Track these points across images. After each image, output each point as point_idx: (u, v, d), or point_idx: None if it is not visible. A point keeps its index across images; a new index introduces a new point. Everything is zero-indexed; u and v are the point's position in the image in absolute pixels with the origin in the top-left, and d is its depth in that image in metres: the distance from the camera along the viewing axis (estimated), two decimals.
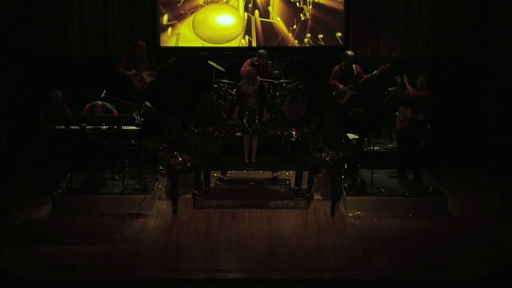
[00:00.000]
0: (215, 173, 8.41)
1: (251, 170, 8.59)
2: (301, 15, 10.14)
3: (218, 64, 9.68)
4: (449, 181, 8.75)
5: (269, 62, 9.43)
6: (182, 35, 10.24)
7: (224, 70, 9.71)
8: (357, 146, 8.47)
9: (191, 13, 10.22)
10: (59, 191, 7.99)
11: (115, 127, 7.89)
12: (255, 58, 9.28)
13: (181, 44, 10.25)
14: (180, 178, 8.10)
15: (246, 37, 10.24)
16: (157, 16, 10.11)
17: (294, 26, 10.17)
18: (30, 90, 9.64)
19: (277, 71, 9.48)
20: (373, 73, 8.81)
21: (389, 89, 8.36)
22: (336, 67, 9.09)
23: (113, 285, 6.35)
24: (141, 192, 7.94)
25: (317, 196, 8.39)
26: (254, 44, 10.23)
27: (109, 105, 8.38)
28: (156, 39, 10.18)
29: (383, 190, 7.99)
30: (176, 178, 8.00)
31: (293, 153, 8.29)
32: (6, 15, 9.64)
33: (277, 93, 9.42)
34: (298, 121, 8.23)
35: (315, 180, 8.18)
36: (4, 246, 6.95)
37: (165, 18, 10.19)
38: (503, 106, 9.35)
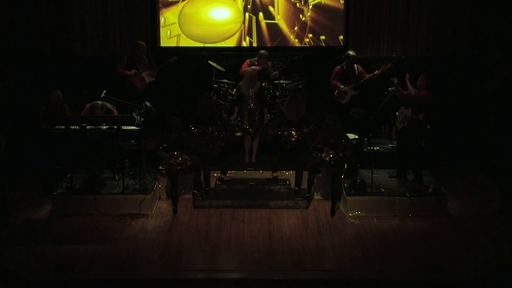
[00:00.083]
0: (215, 173, 8.41)
1: (251, 170, 8.60)
2: (301, 15, 10.14)
3: (218, 64, 9.68)
4: (449, 181, 8.75)
5: (269, 62, 9.43)
6: (183, 36, 10.23)
7: (224, 70, 9.71)
8: (357, 146, 8.47)
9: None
10: (59, 191, 7.99)
11: (115, 127, 7.89)
12: (255, 58, 9.28)
13: (181, 44, 10.24)
14: (180, 178, 8.10)
15: (247, 38, 10.22)
16: (157, 16, 10.10)
17: (296, 28, 10.16)
18: (30, 90, 9.64)
19: (277, 72, 9.48)
20: (375, 73, 8.81)
21: (389, 89, 8.35)
22: (337, 67, 9.09)
23: (113, 285, 6.35)
24: (141, 192, 7.94)
25: (317, 196, 8.39)
26: (254, 44, 10.23)
27: (109, 105, 8.38)
28: (156, 39, 10.17)
29: (383, 190, 7.99)
30: (176, 178, 8.00)
31: (293, 153, 8.29)
32: (6, 15, 9.64)
33: (277, 93, 9.42)
34: (298, 121, 8.23)
35: (315, 180, 8.19)
36: (4, 246, 6.95)
37: (163, 21, 10.15)
38: (503, 106, 9.35)
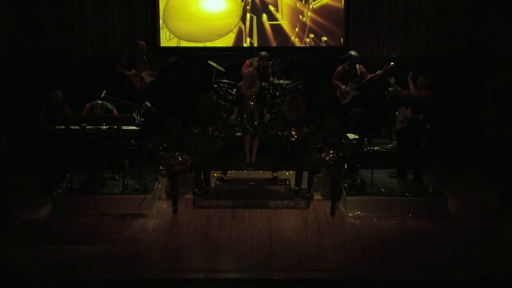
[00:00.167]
0: (215, 173, 8.41)
1: (251, 170, 8.59)
2: (301, 16, 10.14)
3: (218, 64, 9.68)
4: (449, 181, 8.75)
5: (269, 62, 9.43)
6: None
7: (224, 70, 9.71)
8: (357, 146, 8.47)
9: None
10: (59, 191, 7.98)
11: (115, 127, 7.89)
12: (255, 59, 9.27)
13: (181, 44, 10.24)
14: (180, 178, 8.10)
15: (248, 39, 10.21)
16: (157, 16, 10.10)
17: (297, 29, 10.16)
18: (30, 90, 9.64)
19: (275, 78, 9.47)
20: (377, 73, 8.81)
21: (389, 89, 8.35)
22: (339, 68, 9.09)
23: (113, 285, 6.35)
24: (141, 192, 7.94)
25: (317, 196, 8.39)
26: (255, 44, 10.22)
27: (109, 105, 8.38)
28: (156, 39, 10.17)
29: (383, 190, 7.99)
30: (176, 178, 7.99)
31: (293, 153, 8.29)
32: (6, 15, 9.64)
33: (277, 93, 9.42)
34: (298, 121, 8.23)
35: (315, 180, 8.19)
36: (4, 246, 6.96)
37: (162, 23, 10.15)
38: (503, 106, 9.36)
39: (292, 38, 10.20)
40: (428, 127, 8.19)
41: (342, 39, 10.19)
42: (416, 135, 8.12)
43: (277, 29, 10.20)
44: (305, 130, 8.24)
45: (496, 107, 9.48)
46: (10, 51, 9.69)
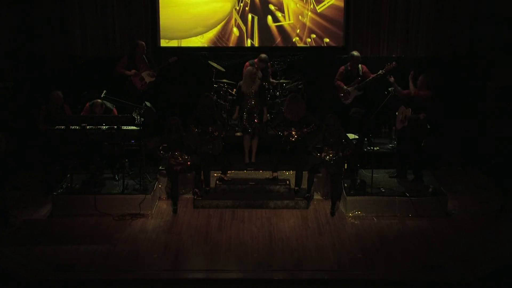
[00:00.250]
0: (215, 173, 8.41)
1: (251, 170, 8.59)
2: (301, 16, 10.13)
3: (218, 64, 9.68)
4: (449, 181, 8.74)
5: (269, 63, 9.43)
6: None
7: (224, 70, 9.71)
8: (357, 146, 8.47)
9: None
10: (59, 191, 7.99)
11: (115, 127, 7.89)
12: (255, 60, 9.27)
13: (182, 44, 10.24)
14: (180, 178, 8.09)
15: (249, 40, 10.21)
16: (157, 16, 10.10)
17: (298, 30, 10.15)
18: (30, 90, 9.64)
19: (274, 80, 9.47)
20: (379, 72, 8.81)
21: (389, 89, 8.36)
22: (342, 68, 9.10)
23: (113, 285, 6.34)
24: (141, 192, 7.94)
25: (317, 196, 8.39)
26: (256, 44, 10.22)
27: (108, 104, 8.38)
28: (156, 39, 10.17)
29: (383, 190, 7.99)
30: (176, 178, 7.99)
31: (293, 153, 8.29)
32: (6, 15, 9.64)
33: (277, 93, 9.42)
34: (298, 121, 8.23)
35: (315, 180, 8.19)
36: (4, 246, 6.96)
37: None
38: (503, 106, 9.35)
39: (293, 38, 10.20)
40: (428, 127, 8.19)
41: (342, 39, 10.18)
42: (416, 135, 8.12)
43: (278, 30, 10.20)
44: (305, 130, 8.24)
45: (496, 107, 9.48)
46: (10, 51, 9.69)
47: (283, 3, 10.09)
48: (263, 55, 9.21)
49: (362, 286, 6.37)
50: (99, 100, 8.23)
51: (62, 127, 7.90)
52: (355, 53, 9.01)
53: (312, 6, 10.07)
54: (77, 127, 7.86)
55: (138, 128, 8.05)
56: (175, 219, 7.77)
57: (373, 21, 10.02)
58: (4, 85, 9.39)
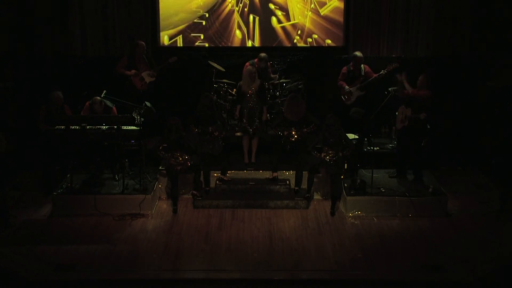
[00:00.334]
0: (215, 173, 8.41)
1: (251, 170, 8.60)
2: (301, 17, 10.13)
3: (218, 64, 9.68)
4: (449, 181, 8.75)
5: (268, 62, 9.43)
6: (183, 35, 10.21)
7: (224, 70, 9.71)
8: (357, 146, 8.47)
9: None
10: (59, 191, 7.99)
11: (115, 127, 7.89)
12: (255, 60, 9.27)
13: (181, 44, 10.23)
14: (180, 178, 8.09)
15: (249, 41, 10.20)
16: (157, 16, 10.10)
17: (299, 31, 10.15)
18: (30, 90, 9.63)
19: (276, 75, 9.47)
20: (380, 72, 8.81)
21: (389, 89, 8.36)
22: (344, 68, 9.10)
23: (113, 285, 6.35)
24: (141, 192, 7.94)
25: (317, 196, 8.39)
26: (256, 44, 10.22)
27: (108, 102, 8.37)
28: (156, 39, 10.17)
29: (383, 190, 7.99)
30: (176, 178, 7.99)
31: (293, 153, 8.29)
32: (5, 15, 9.64)
33: (277, 93, 9.42)
34: (298, 121, 8.23)
35: (315, 180, 8.19)
36: (4, 246, 6.96)
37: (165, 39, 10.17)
38: (503, 106, 9.35)
39: (293, 38, 10.19)
40: (428, 127, 8.19)
41: (342, 39, 10.18)
42: (416, 135, 8.12)
43: (278, 30, 10.19)
44: (305, 130, 8.24)
45: (496, 107, 9.47)
46: (10, 51, 9.68)
47: (283, 3, 10.08)
48: (262, 54, 9.22)
49: (362, 286, 6.38)
50: (98, 97, 8.22)
51: (62, 127, 7.89)
52: (358, 53, 9.01)
53: (312, 5, 10.07)
54: (77, 127, 7.86)
55: (138, 128, 8.05)
56: (175, 219, 7.77)
57: (373, 21, 10.02)
58: (4, 85, 9.39)
